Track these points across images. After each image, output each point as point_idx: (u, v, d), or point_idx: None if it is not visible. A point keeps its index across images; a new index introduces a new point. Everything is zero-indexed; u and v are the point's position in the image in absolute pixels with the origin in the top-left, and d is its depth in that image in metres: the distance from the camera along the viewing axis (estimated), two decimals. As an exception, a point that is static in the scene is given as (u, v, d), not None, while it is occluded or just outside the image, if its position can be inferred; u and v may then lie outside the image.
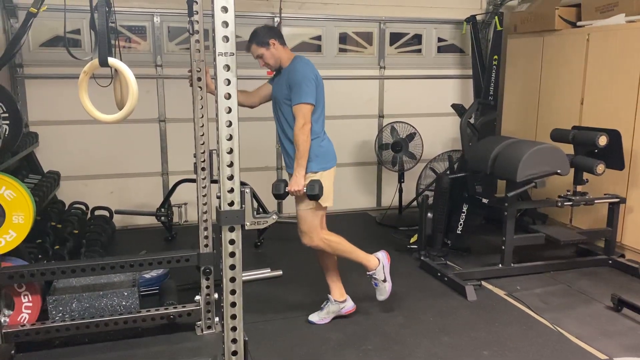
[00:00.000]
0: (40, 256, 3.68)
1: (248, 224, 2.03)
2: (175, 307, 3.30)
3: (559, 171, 4.01)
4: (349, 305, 3.53)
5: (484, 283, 4.03)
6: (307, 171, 3.16)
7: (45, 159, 5.00)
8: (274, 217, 2.16)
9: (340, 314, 3.50)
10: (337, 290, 3.50)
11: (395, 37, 6.01)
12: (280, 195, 3.20)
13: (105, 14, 2.59)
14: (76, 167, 5.16)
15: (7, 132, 3.83)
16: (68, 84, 4.58)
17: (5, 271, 2.93)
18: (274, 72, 3.38)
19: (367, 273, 3.45)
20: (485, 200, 4.40)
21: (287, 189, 3.14)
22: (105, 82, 2.91)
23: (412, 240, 4.83)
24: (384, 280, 3.43)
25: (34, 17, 3.23)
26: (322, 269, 3.53)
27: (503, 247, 4.14)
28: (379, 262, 3.43)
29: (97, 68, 2.65)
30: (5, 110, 3.83)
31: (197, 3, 2.97)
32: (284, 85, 3.20)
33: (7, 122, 3.84)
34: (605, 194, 4.36)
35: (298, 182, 3.10)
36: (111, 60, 2.62)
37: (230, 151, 1.95)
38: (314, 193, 3.07)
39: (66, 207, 4.89)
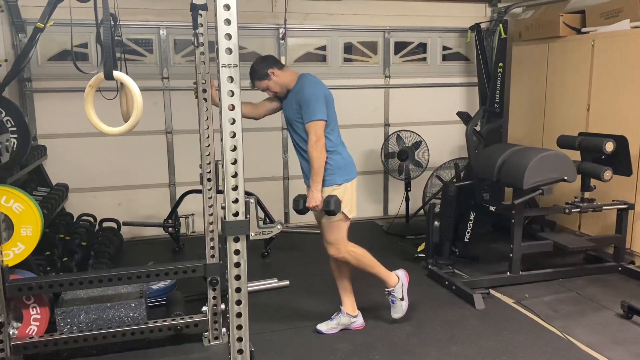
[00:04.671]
0: (48, 268, 3.70)
1: (253, 234, 2.03)
2: (182, 318, 3.30)
3: (565, 178, 3.99)
4: (359, 322, 3.52)
5: (492, 291, 4.01)
6: (332, 184, 3.19)
7: (53, 171, 5.04)
8: (278, 226, 2.15)
9: (348, 328, 3.49)
10: (350, 305, 3.50)
11: (400, 46, 6.03)
12: (300, 211, 3.25)
13: (110, 28, 2.63)
14: (84, 179, 5.20)
15: (15, 146, 3.87)
16: (76, 97, 4.62)
17: (13, 283, 2.94)
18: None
19: (386, 289, 3.47)
20: (492, 208, 4.38)
21: (306, 204, 3.17)
22: (111, 95, 2.95)
23: (420, 248, 4.81)
24: (402, 299, 3.45)
25: (41, 32, 3.27)
26: (336, 282, 3.52)
27: (511, 255, 4.11)
28: (398, 280, 3.45)
29: (102, 81, 2.68)
30: (13, 124, 3.88)
31: (201, 16, 3.00)
32: (293, 105, 3.23)
33: (15, 135, 3.88)
34: (613, 200, 4.34)
35: (315, 198, 3.13)
36: (116, 74, 2.65)
37: (235, 162, 1.95)
38: (329, 209, 3.12)
39: (74, 219, 4.92)
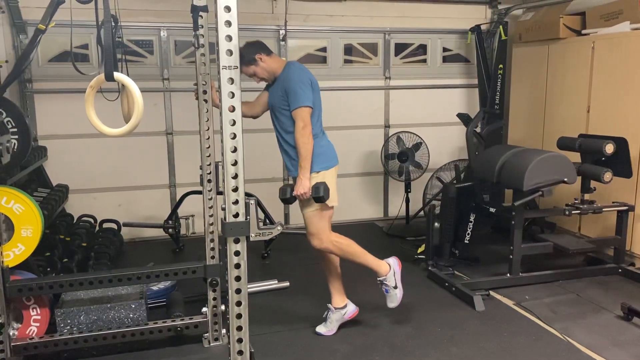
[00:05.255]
0: (48, 269, 3.70)
1: (253, 235, 2.04)
2: (182, 319, 3.31)
3: (565, 179, 3.99)
4: (351, 309, 3.49)
5: (492, 293, 4.01)
6: (310, 172, 3.16)
7: (54, 172, 5.04)
8: (279, 228, 2.16)
9: (345, 320, 3.48)
10: (338, 297, 3.47)
11: (400, 48, 6.04)
12: (287, 200, 3.22)
13: (111, 30, 2.63)
14: (84, 180, 5.20)
15: (16, 147, 3.88)
16: (76, 98, 4.63)
17: (14, 284, 2.94)
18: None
19: (378, 279, 3.39)
20: (492, 210, 4.38)
21: (294, 193, 3.15)
22: (112, 96, 2.95)
23: (420, 250, 4.81)
24: (395, 287, 3.37)
25: (43, 33, 3.27)
26: (325, 275, 3.50)
27: (511, 257, 4.11)
28: (389, 268, 3.38)
29: (103, 82, 2.69)
30: (14, 125, 3.88)
31: (202, 17, 3.00)
32: (279, 92, 3.22)
33: (16, 136, 3.89)
34: (613, 202, 4.33)
35: (304, 185, 3.10)
36: (117, 75, 2.65)
37: (235, 163, 1.96)
38: (319, 195, 3.09)
39: (74, 220, 4.92)
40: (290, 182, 3.39)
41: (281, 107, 3.22)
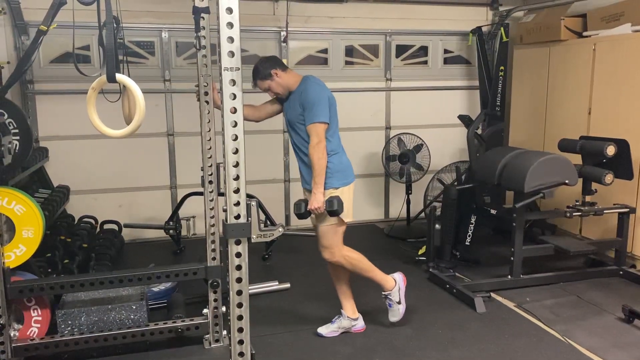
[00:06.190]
0: (49, 270, 3.71)
1: (254, 236, 2.04)
2: (183, 321, 3.31)
3: (567, 181, 3.99)
4: (360, 325, 3.51)
5: (493, 294, 4.00)
6: (329, 187, 3.19)
7: (55, 173, 5.05)
8: (280, 229, 2.17)
9: (348, 331, 3.49)
10: (350, 308, 3.49)
11: (401, 49, 6.04)
12: (302, 215, 3.23)
13: (113, 31, 2.63)
14: (85, 181, 5.21)
15: (17, 148, 3.88)
16: (78, 99, 4.64)
17: (15, 285, 2.94)
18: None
19: (383, 293, 3.46)
20: (493, 211, 4.38)
21: (308, 207, 3.16)
22: (113, 98, 2.96)
23: (421, 252, 4.81)
24: (399, 302, 3.44)
25: (44, 34, 3.28)
26: (335, 285, 3.51)
27: (512, 258, 4.11)
28: (395, 284, 3.44)
29: (105, 84, 2.69)
30: (15, 126, 3.88)
31: (203, 19, 3.01)
32: (296, 106, 3.23)
33: (18, 137, 3.89)
34: (614, 204, 4.33)
35: (318, 200, 3.12)
36: (119, 76, 2.66)
37: (236, 164, 1.96)
38: (333, 209, 3.11)
39: (75, 221, 4.93)
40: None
41: (299, 122, 3.23)
